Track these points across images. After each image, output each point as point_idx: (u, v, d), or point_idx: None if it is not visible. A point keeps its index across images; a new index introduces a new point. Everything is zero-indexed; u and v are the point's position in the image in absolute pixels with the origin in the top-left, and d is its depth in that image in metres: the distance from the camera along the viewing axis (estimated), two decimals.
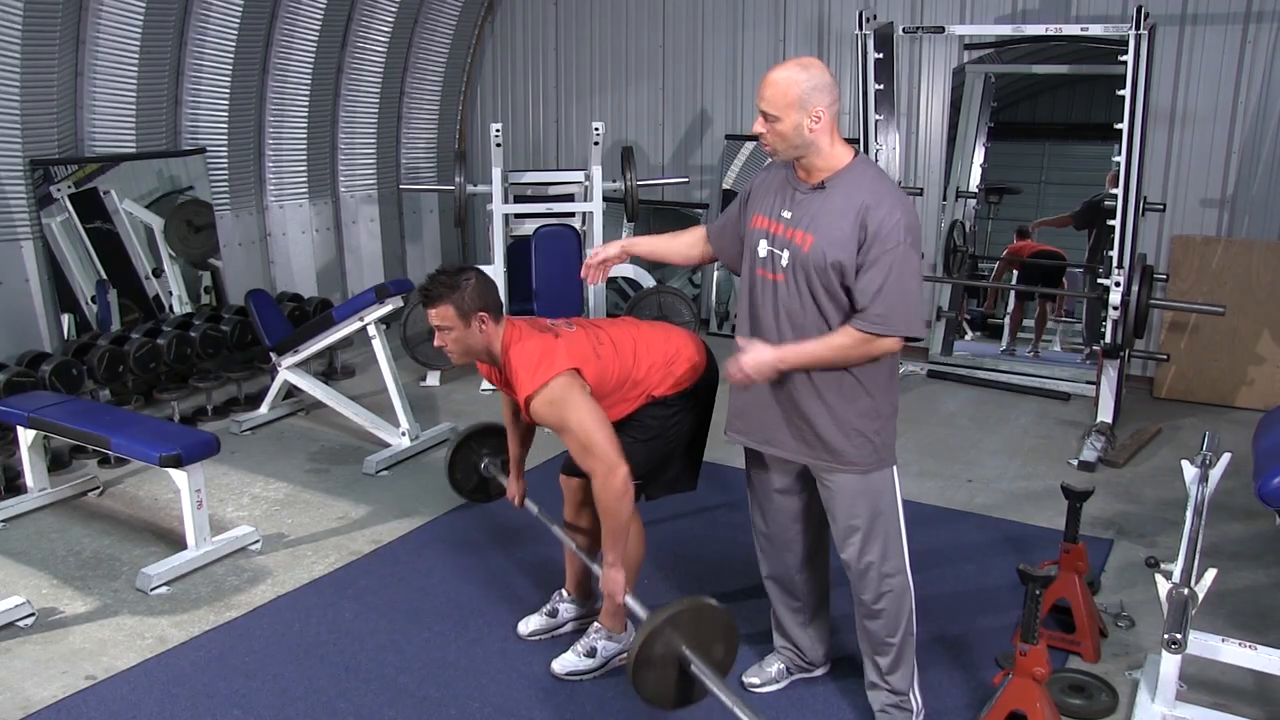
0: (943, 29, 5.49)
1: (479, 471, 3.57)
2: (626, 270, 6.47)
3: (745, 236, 2.67)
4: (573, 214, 6.14)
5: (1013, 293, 6.74)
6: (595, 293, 6.04)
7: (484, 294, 2.81)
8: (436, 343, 2.87)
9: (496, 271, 5.98)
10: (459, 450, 3.56)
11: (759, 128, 2.47)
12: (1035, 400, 5.70)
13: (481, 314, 2.79)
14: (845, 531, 2.65)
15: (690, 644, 2.42)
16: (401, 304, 5.15)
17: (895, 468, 2.64)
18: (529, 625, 3.25)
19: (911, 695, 2.74)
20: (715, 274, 7.11)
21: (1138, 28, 4.54)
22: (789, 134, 2.42)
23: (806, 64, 2.44)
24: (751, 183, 2.73)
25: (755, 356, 2.49)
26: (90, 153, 5.48)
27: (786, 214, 2.53)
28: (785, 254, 2.51)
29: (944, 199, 6.30)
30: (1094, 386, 5.21)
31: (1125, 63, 4.59)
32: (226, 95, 5.99)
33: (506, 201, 5.93)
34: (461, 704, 2.90)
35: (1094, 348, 5.85)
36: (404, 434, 4.87)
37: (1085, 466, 4.68)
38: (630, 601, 2.82)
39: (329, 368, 6.06)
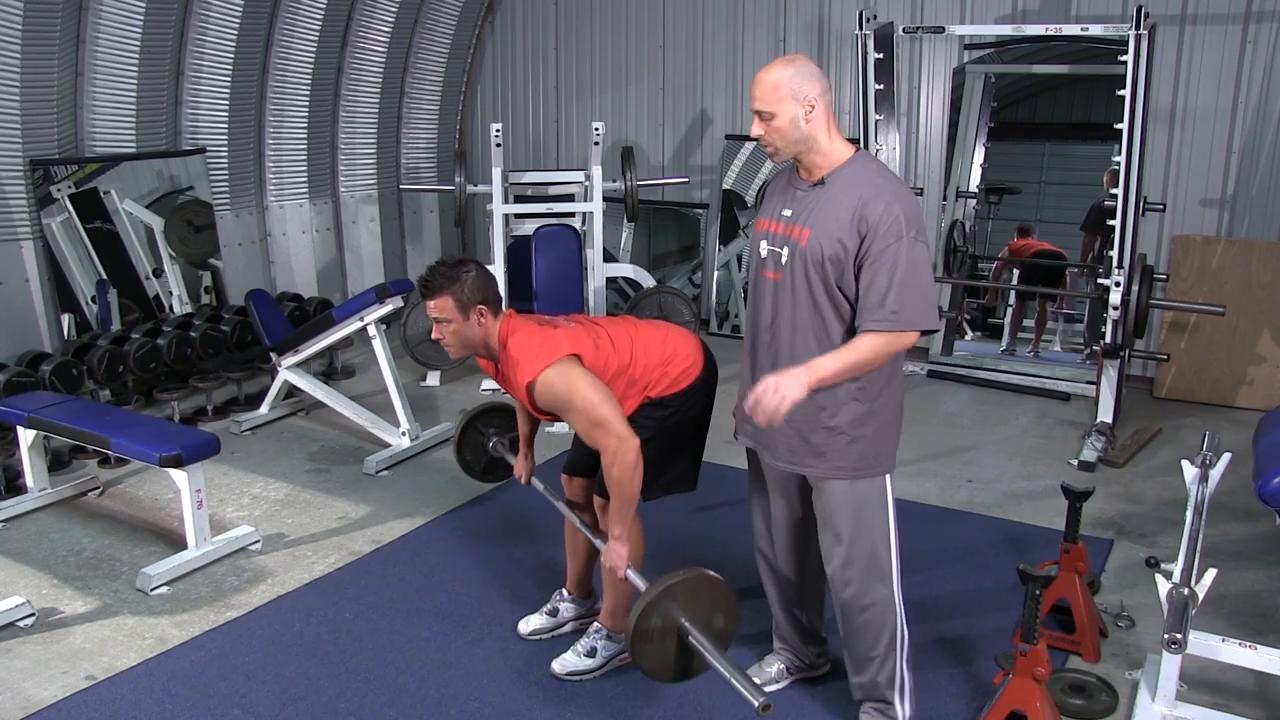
0: (943, 29, 5.49)
1: (487, 452, 3.49)
2: (626, 270, 6.47)
3: (750, 241, 2.64)
4: (573, 214, 6.13)
5: (1013, 292, 6.75)
6: (595, 293, 6.04)
7: (483, 287, 2.79)
8: (434, 335, 2.84)
9: (497, 271, 5.98)
10: (466, 431, 3.49)
11: (757, 130, 2.45)
12: (1035, 400, 5.70)
13: (480, 306, 2.77)
14: (829, 542, 2.61)
15: (689, 615, 2.38)
16: (401, 304, 5.15)
17: (889, 478, 2.57)
18: (529, 624, 3.25)
19: (898, 705, 2.67)
20: (715, 274, 7.11)
21: (1138, 28, 4.54)
22: (786, 128, 2.40)
23: (790, 59, 2.43)
24: (761, 194, 2.70)
25: (779, 378, 2.30)
26: (90, 153, 5.48)
27: (787, 212, 2.51)
28: (785, 251, 2.49)
29: (944, 199, 6.30)
30: (1094, 386, 5.21)
31: (1125, 63, 4.58)
32: (226, 95, 5.99)
33: (507, 201, 5.93)
34: (461, 704, 2.90)
35: (1094, 348, 5.85)
36: (404, 434, 4.87)
37: (1085, 466, 4.68)
38: (632, 575, 2.76)
39: (329, 368, 6.06)
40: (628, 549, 2.77)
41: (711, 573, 2.45)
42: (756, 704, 2.23)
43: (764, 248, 2.57)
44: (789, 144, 2.44)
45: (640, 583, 2.69)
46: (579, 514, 3.12)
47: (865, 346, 2.37)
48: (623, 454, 2.65)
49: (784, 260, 2.50)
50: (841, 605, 2.65)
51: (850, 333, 2.45)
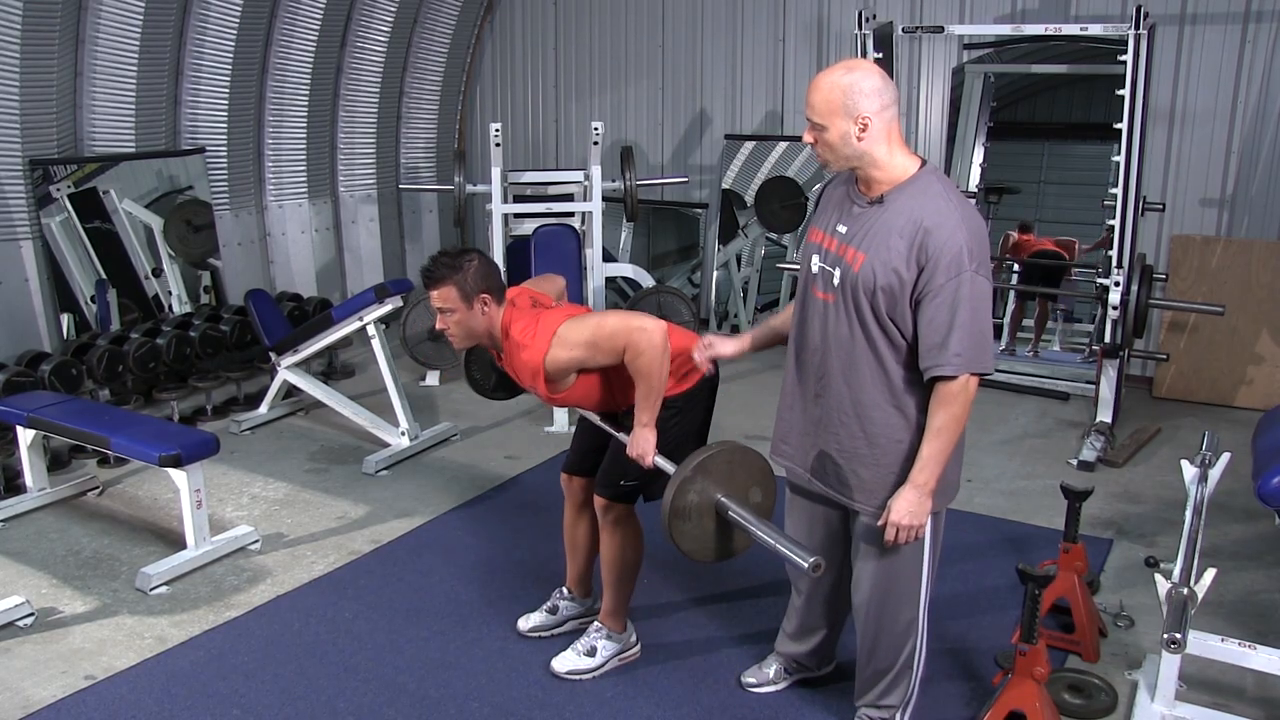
0: (942, 29, 5.49)
1: (494, 367, 3.35)
2: (626, 270, 6.47)
3: (801, 252, 2.50)
4: (572, 214, 6.13)
5: (1012, 292, 6.74)
6: (595, 293, 6.04)
7: (486, 275, 2.78)
8: (438, 325, 2.83)
9: None
10: (473, 349, 3.35)
11: (808, 138, 2.30)
12: (1035, 400, 5.70)
13: (484, 295, 2.77)
14: (858, 574, 2.57)
15: (725, 490, 2.34)
16: (401, 304, 5.15)
17: (933, 518, 2.42)
18: (529, 621, 3.25)
19: (899, 714, 2.67)
20: (714, 273, 7.11)
21: (1137, 27, 4.54)
22: (836, 144, 2.25)
23: (852, 66, 2.26)
24: (819, 197, 2.56)
25: (903, 506, 2.30)
26: (90, 153, 5.48)
27: (842, 229, 2.36)
28: (836, 272, 2.34)
29: None
30: (1094, 386, 5.21)
31: (1125, 63, 4.59)
32: (226, 95, 5.99)
33: (506, 201, 5.92)
34: (461, 704, 2.90)
35: (1094, 347, 5.84)
36: (403, 434, 4.87)
37: (1085, 466, 4.68)
38: (661, 461, 2.71)
39: (329, 367, 6.06)
40: (655, 435, 2.72)
41: (745, 444, 2.41)
42: (807, 564, 2.24)
43: (815, 263, 2.42)
44: (839, 159, 2.29)
45: (670, 468, 2.62)
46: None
47: (946, 419, 2.25)
48: (652, 339, 2.63)
49: (835, 282, 2.35)
50: (865, 623, 2.61)
51: (906, 368, 2.32)
